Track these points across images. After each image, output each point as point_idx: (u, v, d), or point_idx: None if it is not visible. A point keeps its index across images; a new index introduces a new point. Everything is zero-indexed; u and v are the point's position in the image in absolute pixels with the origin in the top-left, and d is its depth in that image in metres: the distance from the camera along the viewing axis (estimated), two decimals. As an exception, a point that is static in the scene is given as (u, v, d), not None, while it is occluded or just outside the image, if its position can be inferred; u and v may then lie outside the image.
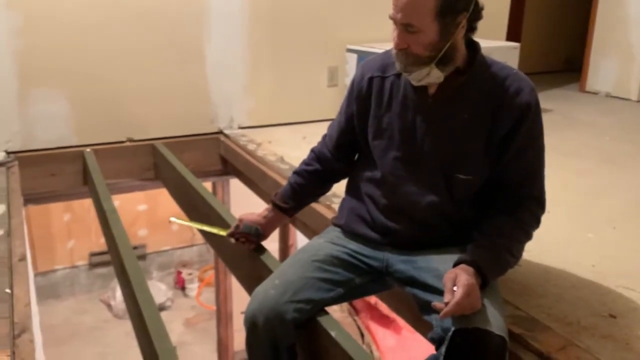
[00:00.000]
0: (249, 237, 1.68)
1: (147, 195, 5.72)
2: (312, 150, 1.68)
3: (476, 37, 1.40)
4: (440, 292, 1.21)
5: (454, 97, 1.36)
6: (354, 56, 3.19)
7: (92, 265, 6.03)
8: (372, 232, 1.47)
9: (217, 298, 4.65)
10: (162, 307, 5.65)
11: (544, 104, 1.47)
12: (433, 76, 1.32)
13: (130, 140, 2.99)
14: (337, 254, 1.46)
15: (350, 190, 1.60)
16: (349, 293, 1.47)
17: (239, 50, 3.12)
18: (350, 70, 3.23)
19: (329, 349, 1.37)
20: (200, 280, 6.19)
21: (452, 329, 1.15)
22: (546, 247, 1.75)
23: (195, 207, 2.34)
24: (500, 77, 1.34)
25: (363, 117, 1.50)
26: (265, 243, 1.75)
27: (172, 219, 2.02)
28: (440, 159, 1.38)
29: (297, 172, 1.67)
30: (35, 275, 5.35)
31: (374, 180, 1.48)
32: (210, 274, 5.78)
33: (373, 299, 4.04)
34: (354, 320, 4.20)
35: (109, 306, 5.69)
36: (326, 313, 1.42)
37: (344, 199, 1.61)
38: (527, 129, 1.33)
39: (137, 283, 1.65)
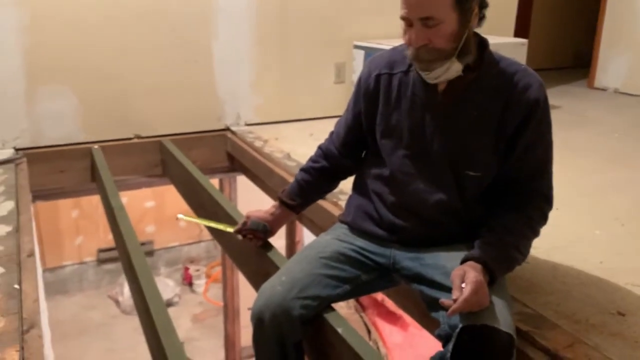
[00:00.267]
0: (256, 233, 1.68)
1: (155, 191, 5.75)
2: (319, 147, 1.67)
3: (484, 33, 1.39)
4: (447, 289, 1.21)
5: (463, 94, 1.35)
6: (361, 52, 3.18)
7: (100, 262, 6.06)
8: (379, 229, 1.47)
9: (224, 294, 4.67)
10: (169, 303, 5.68)
11: (552, 100, 1.46)
12: (453, 70, 1.30)
13: (138, 137, 3.00)
14: (344, 251, 1.46)
15: (357, 187, 1.59)
16: (356, 290, 1.46)
17: (245, 47, 3.12)
18: (357, 66, 3.22)
19: (335, 346, 1.37)
20: (208, 276, 6.21)
21: (460, 325, 1.14)
22: (554, 244, 1.74)
23: (203, 204, 2.34)
24: (509, 73, 1.33)
25: (371, 115, 1.49)
26: (272, 240, 1.75)
27: (180, 215, 2.04)
28: (449, 156, 1.37)
29: (304, 169, 1.67)
30: (44, 271, 5.38)
31: (382, 178, 1.48)
32: (218, 270, 5.80)
33: (380, 296, 4.04)
34: (361, 317, 4.20)
35: (116, 302, 5.72)
36: (333, 310, 1.42)
37: (351, 196, 1.61)
38: (535, 124, 1.32)
39: (144, 279, 1.66)
